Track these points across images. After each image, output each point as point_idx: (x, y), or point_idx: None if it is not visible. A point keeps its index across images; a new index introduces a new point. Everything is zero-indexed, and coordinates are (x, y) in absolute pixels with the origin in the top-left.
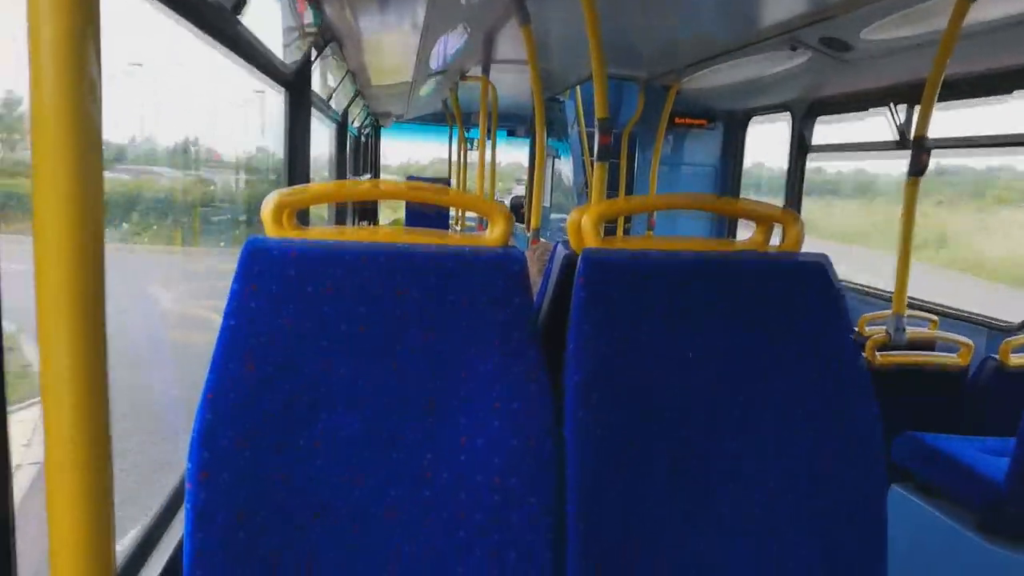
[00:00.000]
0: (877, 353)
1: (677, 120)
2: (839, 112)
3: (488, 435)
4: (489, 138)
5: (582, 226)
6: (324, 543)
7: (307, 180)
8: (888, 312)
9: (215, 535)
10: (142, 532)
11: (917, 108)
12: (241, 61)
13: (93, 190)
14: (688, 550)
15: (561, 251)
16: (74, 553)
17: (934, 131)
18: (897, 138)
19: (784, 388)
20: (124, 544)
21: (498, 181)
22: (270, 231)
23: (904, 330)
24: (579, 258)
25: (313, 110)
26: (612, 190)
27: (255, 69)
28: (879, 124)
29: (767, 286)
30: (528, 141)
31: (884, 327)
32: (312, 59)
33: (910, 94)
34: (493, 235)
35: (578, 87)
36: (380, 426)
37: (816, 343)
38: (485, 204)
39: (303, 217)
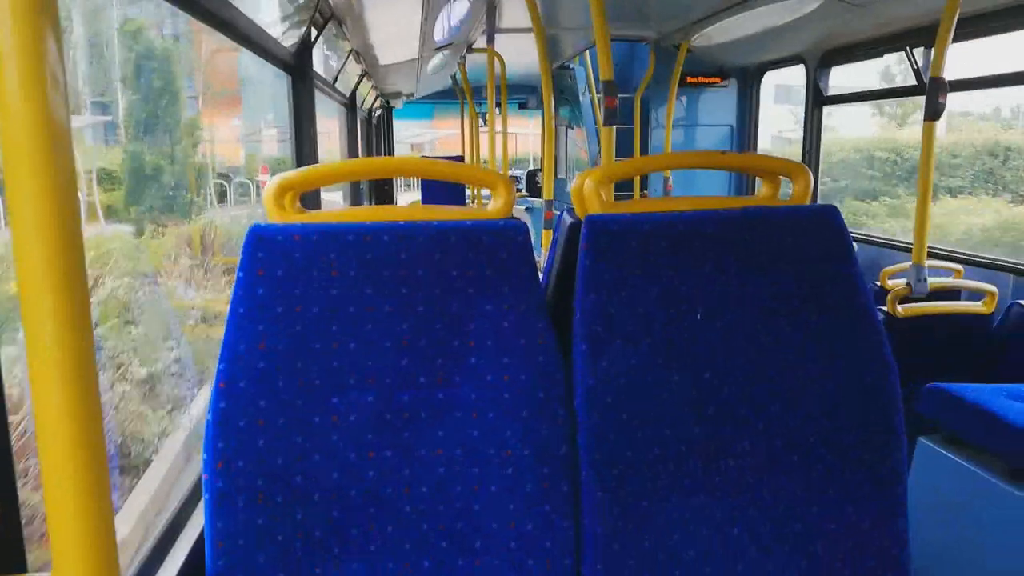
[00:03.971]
0: (899, 305)
1: (690, 79)
2: (854, 59)
3: (498, 407)
4: (499, 111)
5: (584, 191)
6: (342, 522)
7: (314, 162)
8: (909, 264)
9: (235, 521)
10: (163, 523)
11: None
12: (240, 45)
13: (66, 184)
14: (702, 506)
15: (566, 218)
16: (75, 541)
17: (955, 72)
18: (915, 82)
19: (795, 341)
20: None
21: (523, 153)
22: (272, 215)
23: (925, 280)
24: (582, 224)
25: (319, 93)
26: (627, 155)
27: (254, 54)
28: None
29: (774, 238)
30: (541, 112)
31: (905, 279)
32: (312, 40)
33: (927, 36)
34: (496, 206)
35: (587, 53)
36: (392, 403)
37: (826, 293)
38: (488, 175)
39: (314, 202)
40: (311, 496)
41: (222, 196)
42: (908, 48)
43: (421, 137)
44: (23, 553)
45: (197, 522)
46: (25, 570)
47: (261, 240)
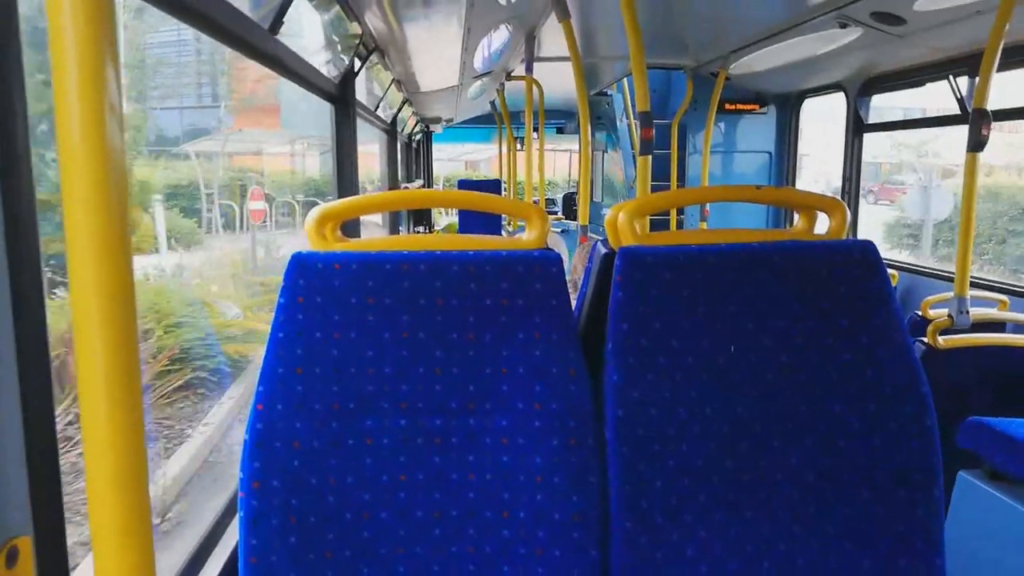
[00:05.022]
0: (940, 337)
1: (728, 106)
2: (895, 88)
3: (529, 435)
4: (536, 137)
5: (619, 223)
6: (373, 543)
7: (355, 192)
8: (951, 294)
9: (268, 539)
10: (197, 541)
11: (977, 80)
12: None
13: (119, 192)
14: (733, 539)
15: (600, 249)
16: (116, 544)
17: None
18: (958, 111)
19: (830, 375)
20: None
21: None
22: (313, 244)
23: (967, 312)
24: (616, 255)
25: (361, 120)
26: (663, 181)
27: (299, 85)
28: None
29: (810, 273)
30: (577, 137)
31: (947, 309)
32: (356, 70)
33: (971, 64)
34: (531, 237)
35: (625, 80)
36: (424, 428)
37: (862, 328)
38: (522, 207)
39: (353, 227)
40: (343, 517)
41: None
42: (951, 76)
43: (477, 155)
44: (66, 569)
45: (231, 538)
46: None
47: (302, 267)
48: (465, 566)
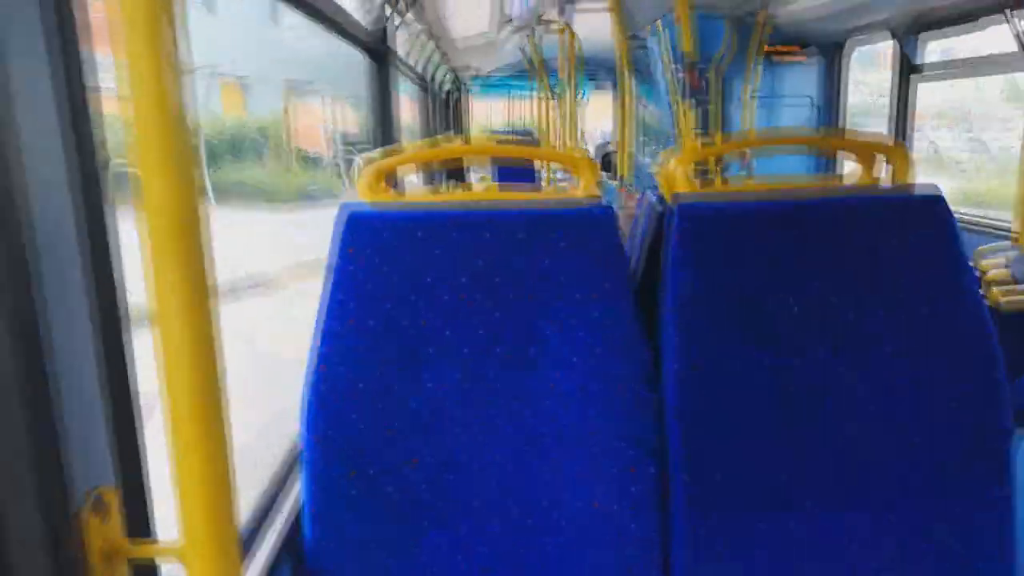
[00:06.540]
0: (995, 290)
1: (768, 50)
2: (947, 26)
3: (584, 390)
4: (570, 87)
5: (673, 172)
6: (428, 495)
7: (395, 143)
8: (1006, 243)
9: (329, 492)
10: (264, 492)
11: None
12: (321, 28)
13: (187, 161)
14: (796, 502)
15: (652, 200)
16: (202, 514)
17: None
18: (1017, 49)
19: (896, 332)
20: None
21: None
22: (364, 195)
23: None
24: (673, 209)
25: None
26: (704, 131)
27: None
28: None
29: (876, 226)
30: (610, 86)
31: (1004, 261)
32: (391, 20)
33: None
34: (582, 188)
35: (660, 24)
36: (479, 382)
37: (930, 283)
38: (570, 157)
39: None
40: (400, 469)
41: None
42: (1009, 12)
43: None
44: (150, 520)
45: (293, 492)
46: (152, 535)
47: (355, 222)
48: (521, 520)
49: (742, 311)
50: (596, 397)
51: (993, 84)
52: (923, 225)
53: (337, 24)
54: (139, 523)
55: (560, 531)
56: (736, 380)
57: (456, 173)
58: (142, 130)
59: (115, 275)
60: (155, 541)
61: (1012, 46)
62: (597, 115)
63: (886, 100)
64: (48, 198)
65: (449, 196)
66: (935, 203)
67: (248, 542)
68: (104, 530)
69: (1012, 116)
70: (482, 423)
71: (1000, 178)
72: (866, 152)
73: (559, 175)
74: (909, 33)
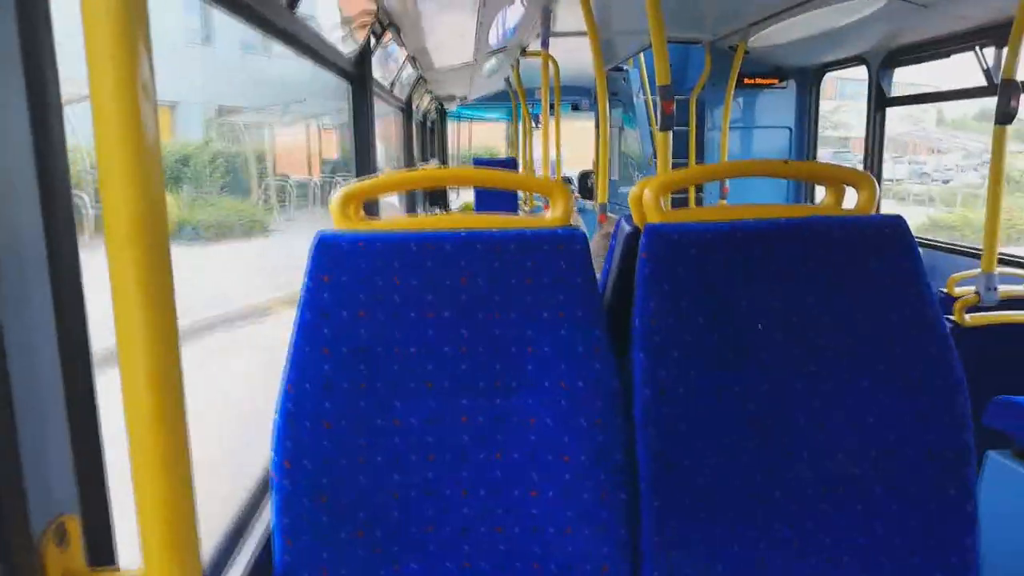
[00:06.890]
0: (967, 315)
1: (747, 81)
2: (919, 60)
3: (556, 414)
4: (552, 114)
5: (644, 199)
6: (402, 523)
7: (374, 171)
8: (978, 271)
9: (300, 518)
10: (234, 516)
11: (1005, 51)
12: (301, 56)
13: (155, 185)
14: (766, 521)
15: (624, 226)
16: (163, 540)
17: None
18: (985, 83)
19: (859, 354)
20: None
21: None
22: (338, 223)
23: (995, 289)
24: (641, 232)
25: (376, 99)
26: (682, 158)
27: (315, 63)
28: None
29: (840, 249)
30: (593, 114)
31: (974, 286)
32: (372, 48)
33: (998, 34)
34: (555, 214)
35: (642, 55)
36: (452, 408)
37: (894, 305)
38: (545, 184)
39: (372, 205)
40: (373, 497)
41: None
42: (978, 47)
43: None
44: (113, 548)
45: (266, 516)
46: (115, 563)
47: (327, 247)
48: (495, 545)
49: (709, 333)
50: (566, 421)
51: (929, 114)
52: (886, 247)
53: (317, 52)
54: (102, 551)
55: (535, 558)
56: (704, 401)
57: (438, 199)
58: (106, 159)
59: (79, 299)
60: (117, 569)
61: (971, 73)
62: (583, 142)
63: (833, 130)
64: (10, 219)
65: (421, 222)
66: (897, 227)
67: (218, 567)
68: (64, 559)
69: (943, 137)
70: (456, 451)
71: (949, 206)
72: (835, 181)
73: (540, 201)
74: (885, 66)
